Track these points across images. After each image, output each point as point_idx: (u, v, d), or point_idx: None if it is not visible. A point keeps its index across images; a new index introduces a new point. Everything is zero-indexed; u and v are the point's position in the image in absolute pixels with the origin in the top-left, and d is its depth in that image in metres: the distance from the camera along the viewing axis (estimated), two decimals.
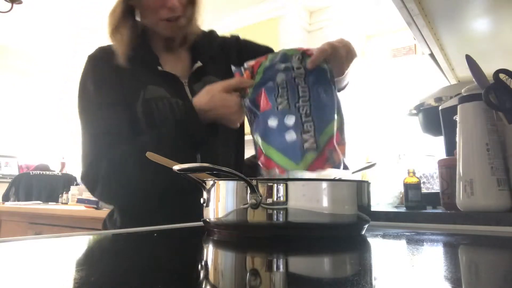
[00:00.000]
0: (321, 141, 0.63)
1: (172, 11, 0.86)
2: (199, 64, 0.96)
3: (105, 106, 0.88)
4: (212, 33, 1.05)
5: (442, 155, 1.10)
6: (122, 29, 0.89)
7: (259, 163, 0.66)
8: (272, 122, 0.65)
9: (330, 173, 0.64)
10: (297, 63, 0.70)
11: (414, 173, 1.06)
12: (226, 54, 1.03)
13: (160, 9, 0.86)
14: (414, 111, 1.40)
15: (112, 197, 0.89)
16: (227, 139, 0.97)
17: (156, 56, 0.94)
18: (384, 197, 1.18)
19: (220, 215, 0.53)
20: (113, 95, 0.88)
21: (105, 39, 0.94)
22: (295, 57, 0.70)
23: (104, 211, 1.94)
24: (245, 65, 0.76)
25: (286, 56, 0.71)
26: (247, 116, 0.75)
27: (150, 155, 0.69)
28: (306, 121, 0.64)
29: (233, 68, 0.78)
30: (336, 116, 0.66)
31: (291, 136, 0.64)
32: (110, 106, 0.88)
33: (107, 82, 0.89)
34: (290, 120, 0.65)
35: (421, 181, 1.16)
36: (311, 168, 0.62)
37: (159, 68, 0.93)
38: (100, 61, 0.93)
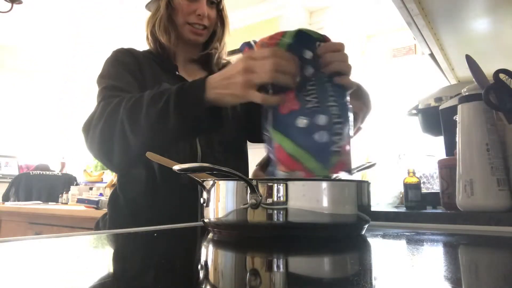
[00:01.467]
0: (345, 143, 0.61)
1: (200, 19, 0.97)
2: None
3: (120, 75, 0.91)
4: (229, 62, 1.12)
5: (442, 155, 1.10)
6: (170, 31, 0.98)
7: (277, 160, 0.60)
8: (301, 123, 0.59)
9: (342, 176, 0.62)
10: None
11: (414, 173, 1.06)
12: None
13: (191, 14, 0.97)
14: (414, 111, 1.40)
15: (97, 142, 0.80)
16: (232, 146, 0.98)
17: (175, 65, 1.01)
18: (384, 197, 1.18)
19: (220, 215, 0.53)
20: (129, 75, 0.92)
21: (104, 39, 0.97)
22: (317, 44, 0.62)
23: (104, 211, 1.94)
24: (255, 40, 0.66)
25: (310, 40, 0.62)
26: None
27: (150, 155, 0.69)
28: (336, 122, 0.60)
29: (242, 44, 0.68)
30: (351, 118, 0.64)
31: (321, 137, 0.59)
32: (124, 77, 0.91)
33: (127, 64, 0.95)
34: (321, 120, 0.59)
35: (421, 181, 1.16)
36: (333, 171, 0.60)
37: (177, 73, 1.00)
38: (123, 52, 0.99)
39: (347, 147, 0.62)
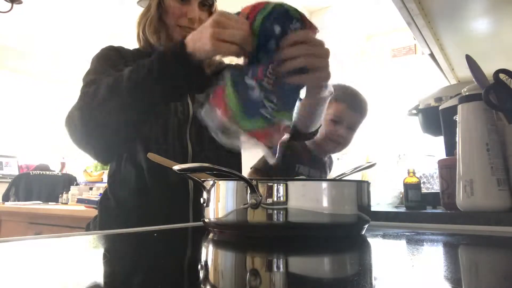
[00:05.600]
0: (277, 118, 0.62)
1: (190, 22, 0.94)
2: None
3: (104, 70, 0.89)
4: (221, 61, 1.11)
5: (442, 155, 1.10)
6: (160, 31, 0.96)
7: (215, 102, 0.62)
8: (251, 87, 0.62)
9: (262, 150, 0.62)
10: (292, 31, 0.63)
11: (414, 173, 1.06)
12: None
13: (181, 17, 0.94)
14: (414, 111, 1.40)
15: (80, 129, 0.79)
16: (223, 146, 0.97)
17: None
18: (384, 197, 1.18)
19: (220, 215, 0.53)
20: (114, 71, 0.88)
21: (105, 40, 0.96)
22: (294, 23, 0.63)
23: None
24: (236, 12, 0.67)
25: (287, 16, 0.63)
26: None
27: (151, 155, 0.69)
28: (272, 93, 0.62)
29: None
30: (294, 109, 0.65)
31: (255, 93, 0.61)
32: (108, 72, 0.87)
33: (113, 61, 0.93)
34: (266, 95, 0.62)
35: (421, 181, 1.16)
36: (255, 133, 0.61)
37: None
38: (111, 49, 0.98)
39: (280, 129, 0.63)
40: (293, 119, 0.65)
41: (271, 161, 0.63)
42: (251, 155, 1.09)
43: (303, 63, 0.63)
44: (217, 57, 1.06)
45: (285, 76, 0.63)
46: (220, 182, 0.54)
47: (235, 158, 1.03)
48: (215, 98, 0.62)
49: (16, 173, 3.76)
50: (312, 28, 0.65)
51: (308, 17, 0.66)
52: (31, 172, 3.31)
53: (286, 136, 0.65)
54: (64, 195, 2.86)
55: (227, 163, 0.95)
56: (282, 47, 0.63)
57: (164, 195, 0.88)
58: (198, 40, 0.68)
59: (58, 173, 3.43)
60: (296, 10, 0.64)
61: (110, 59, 0.94)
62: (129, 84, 0.74)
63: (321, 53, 0.65)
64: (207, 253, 0.48)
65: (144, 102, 0.75)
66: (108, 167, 0.98)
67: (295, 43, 0.62)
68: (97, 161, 0.86)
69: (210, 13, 1.00)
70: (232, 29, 0.64)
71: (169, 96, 0.76)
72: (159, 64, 0.72)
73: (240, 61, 0.69)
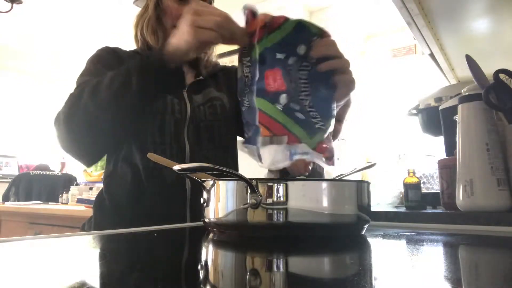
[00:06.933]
0: (327, 127, 0.62)
1: None
2: (201, 77, 1.01)
3: (99, 72, 0.88)
4: (217, 63, 1.12)
5: (442, 155, 1.10)
6: (159, 32, 0.97)
7: (260, 125, 0.60)
8: (283, 100, 0.62)
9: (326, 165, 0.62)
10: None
11: (414, 173, 1.06)
12: (227, 76, 1.09)
13: (179, 18, 0.94)
14: (414, 111, 1.40)
15: (64, 130, 0.80)
16: (221, 143, 0.97)
17: None
18: (384, 197, 1.18)
19: (220, 215, 0.53)
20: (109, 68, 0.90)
21: (105, 40, 0.96)
22: (314, 38, 0.65)
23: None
24: (258, 11, 0.68)
25: (308, 34, 0.64)
26: (242, 72, 0.66)
27: (150, 155, 0.68)
28: (311, 110, 0.63)
29: (245, 6, 0.68)
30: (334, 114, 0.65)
31: (301, 115, 0.62)
32: (103, 74, 0.87)
33: (109, 62, 0.94)
34: (296, 106, 0.62)
35: (421, 181, 1.16)
36: (318, 146, 0.60)
37: None
38: (107, 50, 0.98)
39: (330, 138, 0.63)
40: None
41: (329, 166, 0.62)
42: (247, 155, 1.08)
43: (340, 64, 0.65)
44: (213, 58, 1.07)
45: (319, 79, 0.63)
46: (220, 182, 0.54)
47: (232, 158, 1.03)
48: (268, 127, 0.60)
49: (16, 173, 3.77)
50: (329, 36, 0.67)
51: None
52: (31, 172, 3.31)
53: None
54: (64, 195, 2.86)
55: (225, 163, 0.96)
56: (313, 51, 0.63)
57: (160, 195, 0.88)
58: (180, 34, 0.70)
59: (58, 173, 3.42)
60: (315, 26, 0.65)
61: (104, 61, 0.94)
62: (109, 89, 0.76)
63: (347, 61, 0.67)
64: (207, 253, 0.48)
65: (124, 105, 0.77)
66: (105, 168, 0.98)
67: (325, 46, 0.64)
68: (80, 163, 0.87)
69: None
70: (208, 15, 0.66)
71: (148, 98, 0.79)
72: (137, 68, 0.75)
73: (233, 61, 0.70)
